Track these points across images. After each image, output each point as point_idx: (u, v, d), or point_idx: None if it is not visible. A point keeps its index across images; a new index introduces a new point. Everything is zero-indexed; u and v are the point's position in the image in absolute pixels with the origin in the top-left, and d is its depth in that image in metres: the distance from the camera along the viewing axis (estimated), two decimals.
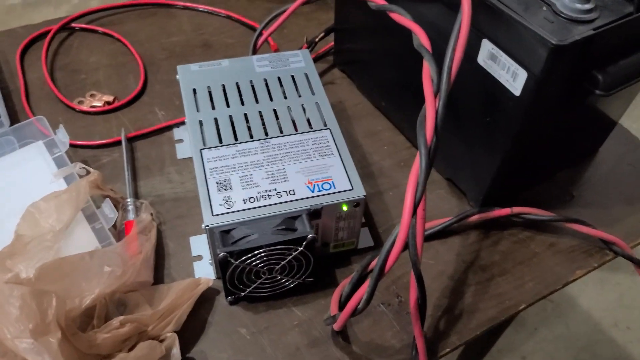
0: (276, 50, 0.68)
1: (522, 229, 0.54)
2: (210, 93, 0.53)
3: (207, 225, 0.43)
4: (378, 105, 0.64)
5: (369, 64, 0.63)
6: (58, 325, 0.35)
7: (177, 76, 0.55)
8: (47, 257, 0.41)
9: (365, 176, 0.58)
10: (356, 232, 0.50)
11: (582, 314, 1.29)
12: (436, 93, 0.40)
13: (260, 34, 0.65)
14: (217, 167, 0.47)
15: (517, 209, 0.53)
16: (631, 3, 0.42)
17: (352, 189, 0.46)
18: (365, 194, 0.46)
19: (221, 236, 0.43)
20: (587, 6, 0.40)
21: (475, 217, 0.53)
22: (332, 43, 0.68)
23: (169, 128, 0.61)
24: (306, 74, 0.56)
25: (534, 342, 1.24)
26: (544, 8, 0.41)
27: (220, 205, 0.44)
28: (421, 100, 0.41)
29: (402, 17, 0.48)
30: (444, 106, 0.40)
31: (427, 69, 0.42)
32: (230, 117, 0.51)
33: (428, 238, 0.53)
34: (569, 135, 0.55)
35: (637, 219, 0.56)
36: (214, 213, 0.44)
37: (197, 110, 0.52)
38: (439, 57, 0.41)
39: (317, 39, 0.67)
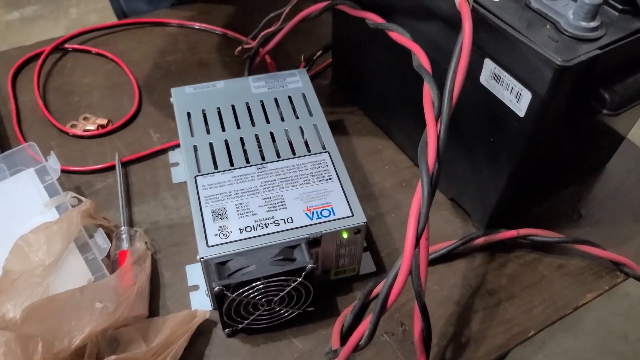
0: (274, 69, 0.67)
1: (529, 251, 0.53)
2: (205, 117, 0.52)
3: (202, 257, 0.41)
4: (378, 123, 0.63)
5: (368, 81, 0.61)
6: None
7: (171, 99, 0.54)
8: (36, 293, 0.39)
9: (366, 197, 0.56)
10: (357, 258, 0.48)
11: (591, 327, 1.26)
12: (437, 117, 0.39)
13: (257, 52, 0.64)
14: (212, 195, 0.45)
15: (523, 231, 0.51)
16: (638, 19, 0.41)
17: (353, 215, 0.45)
18: (366, 220, 0.44)
19: (217, 268, 0.41)
20: (593, 24, 0.39)
21: (480, 240, 0.51)
22: (330, 60, 0.67)
23: (164, 151, 0.59)
24: (304, 95, 0.54)
25: (543, 356, 1.22)
26: (548, 26, 0.40)
27: (216, 235, 0.43)
28: (422, 118, 0.39)
29: (401, 37, 0.46)
30: (446, 131, 0.38)
31: (428, 91, 0.40)
32: (226, 141, 0.50)
33: (433, 262, 0.51)
34: (575, 153, 0.53)
35: None
36: (209, 244, 0.42)
37: (192, 135, 0.50)
38: (440, 75, 0.40)
39: (314, 57, 0.65)
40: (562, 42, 0.39)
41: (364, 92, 0.63)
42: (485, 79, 0.43)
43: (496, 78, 0.42)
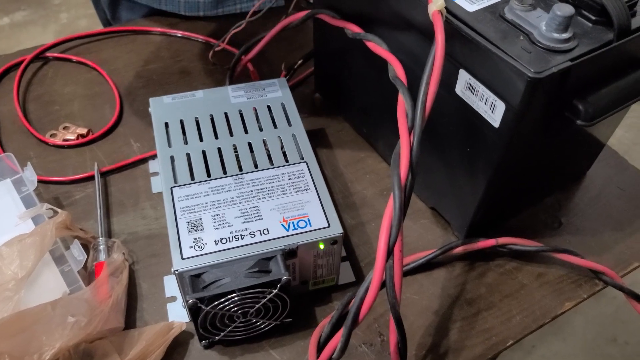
0: (256, 77, 0.67)
1: (508, 260, 0.53)
2: (183, 127, 0.52)
3: (176, 270, 0.41)
4: (360, 131, 0.63)
5: (350, 90, 0.61)
6: None
7: (150, 109, 0.53)
8: (7, 308, 0.39)
9: (346, 206, 0.56)
10: (336, 268, 0.48)
11: (579, 330, 1.26)
12: (411, 129, 0.39)
13: (239, 61, 0.63)
14: (188, 206, 0.45)
15: (502, 240, 0.51)
16: (611, 30, 0.41)
17: (329, 226, 0.44)
18: (342, 231, 0.44)
19: (191, 281, 0.41)
20: (565, 35, 0.39)
21: (459, 249, 0.51)
22: (312, 68, 0.67)
23: (144, 161, 0.59)
24: (283, 104, 0.54)
25: (532, 359, 1.22)
26: (521, 37, 0.40)
27: (191, 247, 0.42)
28: None
29: (378, 47, 0.46)
30: (419, 142, 0.38)
31: (402, 103, 0.40)
32: (204, 151, 0.49)
33: (412, 271, 0.51)
34: (554, 162, 0.53)
35: (627, 246, 0.54)
36: (184, 256, 0.42)
37: (169, 146, 0.50)
38: (418, 85, 0.40)
39: (295, 66, 0.65)
40: (535, 54, 0.39)
41: (345, 101, 0.63)
42: (460, 89, 0.43)
43: (471, 89, 0.42)
